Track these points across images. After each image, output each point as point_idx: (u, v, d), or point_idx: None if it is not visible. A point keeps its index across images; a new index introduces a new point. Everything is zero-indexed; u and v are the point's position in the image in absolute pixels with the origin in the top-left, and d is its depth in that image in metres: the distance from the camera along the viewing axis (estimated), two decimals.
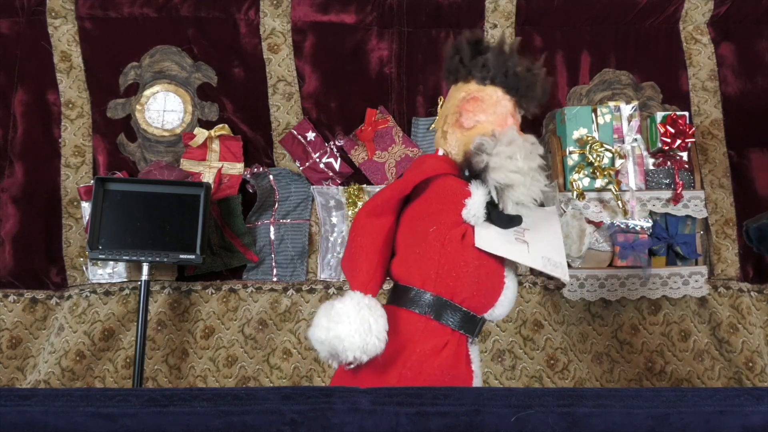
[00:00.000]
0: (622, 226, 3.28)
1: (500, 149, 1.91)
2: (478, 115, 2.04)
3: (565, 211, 3.30)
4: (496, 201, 1.92)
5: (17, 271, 3.45)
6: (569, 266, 3.29)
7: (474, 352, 1.99)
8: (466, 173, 1.97)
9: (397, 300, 1.97)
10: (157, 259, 3.15)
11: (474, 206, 1.92)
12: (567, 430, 1.18)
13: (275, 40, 3.61)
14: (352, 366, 1.84)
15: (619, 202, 3.26)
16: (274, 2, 3.60)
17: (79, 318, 3.40)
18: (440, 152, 2.10)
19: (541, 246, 2.00)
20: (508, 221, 1.95)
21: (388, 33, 3.62)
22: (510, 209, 1.92)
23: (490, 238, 1.93)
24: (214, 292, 3.48)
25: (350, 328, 1.79)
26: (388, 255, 2.01)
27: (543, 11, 3.62)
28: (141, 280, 3.17)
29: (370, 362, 1.83)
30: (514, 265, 2.04)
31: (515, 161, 1.89)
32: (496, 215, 1.94)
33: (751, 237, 2.47)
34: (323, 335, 1.83)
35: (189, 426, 1.15)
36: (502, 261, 1.98)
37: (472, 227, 1.94)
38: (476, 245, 1.91)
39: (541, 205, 2.02)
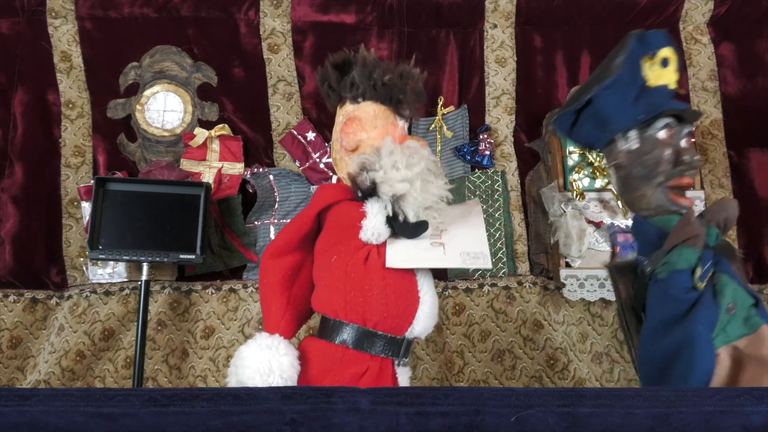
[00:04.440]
0: (622, 226, 3.28)
1: (383, 162, 1.89)
2: (359, 134, 2.02)
3: (565, 211, 3.30)
4: (393, 214, 1.90)
5: (17, 271, 3.45)
6: (569, 266, 3.31)
7: (403, 374, 1.96)
8: (360, 194, 1.94)
9: (320, 331, 1.97)
10: (157, 259, 3.15)
11: (371, 226, 1.90)
12: (567, 430, 1.18)
13: (275, 40, 3.61)
14: None
15: (619, 202, 3.26)
16: (274, 2, 3.60)
17: (79, 318, 3.40)
18: (333, 179, 2.11)
19: (460, 242, 1.94)
20: (414, 230, 1.92)
21: (388, 33, 3.62)
22: (412, 217, 1.89)
23: (400, 253, 1.89)
24: (214, 292, 3.48)
25: (251, 371, 1.83)
26: (300, 293, 2.02)
27: (543, 11, 3.62)
28: (141, 280, 3.17)
29: None
30: (430, 276, 2.00)
31: (399, 171, 1.87)
32: (400, 227, 1.91)
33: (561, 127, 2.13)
34: (233, 380, 1.88)
35: (189, 426, 1.15)
36: (413, 275, 1.94)
37: (378, 247, 1.91)
38: (387, 265, 1.88)
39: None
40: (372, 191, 1.91)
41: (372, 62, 2.05)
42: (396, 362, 1.94)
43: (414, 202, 1.88)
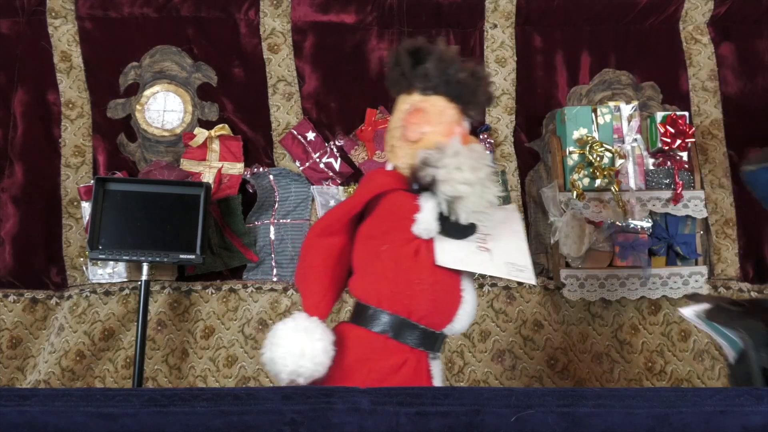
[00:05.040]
0: (622, 226, 3.28)
1: (446, 161, 1.87)
2: (423, 127, 2.00)
3: (564, 211, 3.30)
4: (447, 213, 1.90)
5: (17, 271, 3.45)
6: (568, 266, 3.31)
7: (436, 367, 1.97)
8: (415, 187, 1.94)
9: (356, 318, 1.96)
10: (157, 259, 3.15)
11: (424, 220, 1.89)
12: (567, 430, 1.18)
13: (275, 40, 3.61)
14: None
15: (619, 202, 3.26)
16: (274, 2, 3.60)
17: (79, 318, 3.40)
18: (389, 167, 2.08)
19: (505, 251, 1.96)
20: (462, 232, 1.92)
21: (388, 33, 3.62)
22: (463, 219, 1.89)
23: (450, 253, 1.90)
24: (214, 292, 3.48)
25: (283, 351, 1.81)
26: (341, 274, 2.00)
27: (543, 11, 3.62)
28: (141, 280, 3.17)
29: (329, 381, 1.83)
30: (472, 277, 2.01)
31: (462, 173, 1.86)
32: (449, 227, 1.91)
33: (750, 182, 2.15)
34: (265, 357, 1.86)
35: (189, 426, 1.15)
36: (458, 274, 1.95)
37: (426, 242, 1.91)
38: (437, 263, 1.88)
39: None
40: (429, 187, 1.91)
41: (449, 57, 2.02)
42: (430, 356, 1.95)
43: (470, 205, 1.88)
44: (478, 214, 1.90)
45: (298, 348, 1.80)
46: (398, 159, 2.05)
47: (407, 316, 1.89)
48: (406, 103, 2.06)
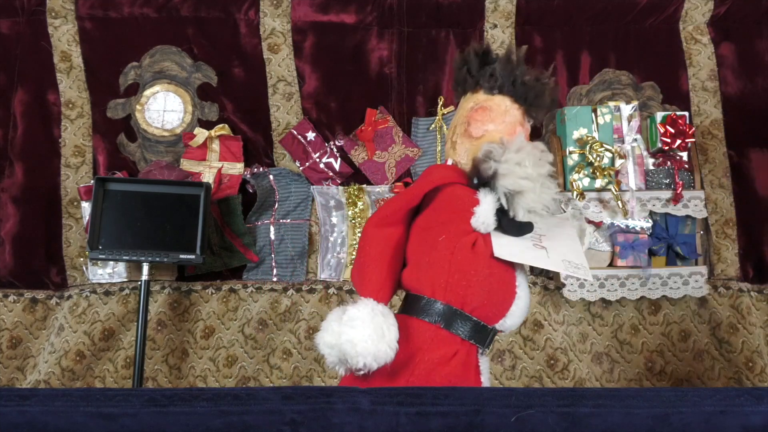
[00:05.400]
0: (622, 226, 3.28)
1: (509, 156, 1.89)
2: (487, 125, 2.03)
3: (564, 211, 3.30)
4: (506, 208, 1.91)
5: (17, 271, 3.45)
6: None
7: (484, 363, 1.96)
8: (475, 181, 1.95)
9: (408, 309, 1.95)
10: (157, 259, 3.15)
11: (483, 214, 1.90)
12: (567, 430, 1.18)
13: (275, 40, 3.61)
14: (361, 373, 1.82)
15: (619, 202, 3.26)
16: (274, 2, 3.60)
17: (79, 318, 3.40)
18: (449, 162, 2.09)
19: (560, 250, 1.98)
20: (519, 228, 1.94)
21: (388, 33, 3.62)
22: (521, 216, 1.91)
23: (509, 247, 1.91)
24: (214, 292, 3.48)
25: (364, 333, 1.77)
26: (397, 266, 2.00)
27: (543, 11, 3.62)
28: (141, 280, 3.17)
29: (379, 370, 1.81)
30: (526, 275, 2.02)
31: (524, 168, 1.87)
32: (507, 222, 1.92)
33: None
34: (333, 339, 1.81)
35: (189, 426, 1.15)
36: (514, 270, 1.96)
37: (483, 236, 1.92)
38: (495, 254, 1.89)
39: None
40: (489, 181, 1.92)
41: (516, 60, 2.07)
42: (480, 351, 1.94)
43: (529, 201, 1.89)
44: (534, 213, 1.91)
45: (379, 331, 1.78)
46: (458, 155, 2.07)
47: (461, 306, 1.89)
48: (471, 101, 2.09)
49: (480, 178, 1.94)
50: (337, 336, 1.80)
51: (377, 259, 1.95)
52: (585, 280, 1.95)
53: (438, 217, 1.97)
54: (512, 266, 1.95)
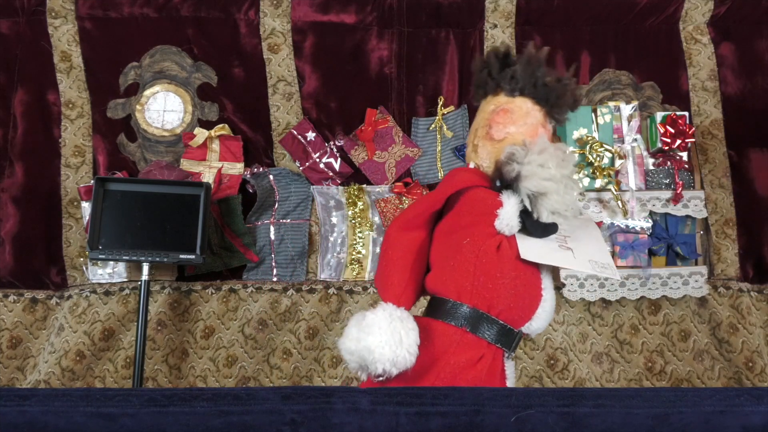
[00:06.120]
0: (622, 226, 3.28)
1: (532, 158, 1.89)
2: (509, 127, 2.02)
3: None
4: (530, 209, 1.90)
5: (17, 271, 3.45)
6: None
7: (510, 367, 1.95)
8: (498, 184, 1.95)
9: (433, 312, 1.94)
10: (157, 259, 3.15)
11: (506, 216, 1.89)
12: (567, 430, 1.18)
13: (275, 40, 3.61)
14: (381, 378, 1.80)
15: (619, 202, 3.26)
16: (274, 2, 3.60)
17: (79, 318, 3.40)
18: (471, 165, 2.08)
19: (586, 250, 1.97)
20: (544, 230, 1.93)
21: (388, 33, 3.62)
22: (545, 218, 1.89)
23: (535, 248, 1.90)
24: (214, 292, 3.48)
25: (381, 339, 1.76)
26: (420, 270, 1.98)
27: (543, 11, 3.62)
28: (141, 280, 3.17)
29: (402, 373, 1.79)
30: (551, 278, 2.01)
31: (547, 169, 1.87)
32: (531, 224, 1.91)
33: None
34: (353, 346, 1.80)
35: (189, 426, 1.15)
36: (539, 272, 1.95)
37: (507, 238, 1.91)
38: (521, 256, 1.87)
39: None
40: (512, 183, 1.91)
41: (537, 61, 2.05)
42: (506, 354, 1.93)
43: (553, 203, 1.88)
44: (557, 215, 1.90)
45: (396, 336, 1.76)
46: (480, 158, 2.06)
47: (487, 310, 1.88)
48: (491, 104, 2.08)
49: (503, 181, 1.93)
50: (356, 342, 1.79)
51: (399, 263, 1.94)
52: (614, 279, 1.94)
53: (461, 221, 1.95)
54: (538, 268, 1.94)
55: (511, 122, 2.02)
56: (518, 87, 2.04)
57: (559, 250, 1.93)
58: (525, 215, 1.90)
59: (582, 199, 3.28)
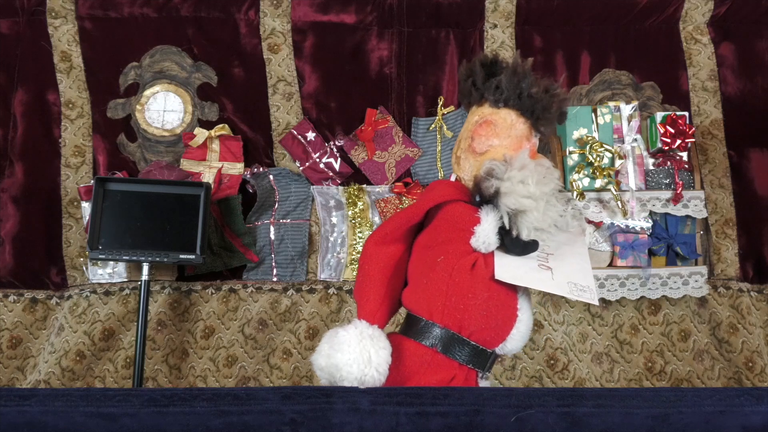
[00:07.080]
0: (622, 226, 3.28)
1: (511, 174, 1.84)
2: (491, 140, 1.96)
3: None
4: (508, 227, 1.85)
5: (17, 271, 3.45)
6: None
7: (485, 386, 1.92)
8: (477, 199, 1.90)
9: (407, 330, 1.92)
10: (157, 259, 3.15)
11: (483, 233, 1.86)
12: (567, 430, 1.18)
13: (275, 40, 3.61)
14: None
15: (619, 202, 3.26)
16: (274, 2, 3.60)
17: (79, 318, 3.40)
18: (452, 178, 2.04)
19: (567, 271, 1.91)
20: (523, 248, 1.88)
21: (388, 33, 3.62)
22: (525, 235, 1.85)
23: (511, 268, 1.86)
24: (214, 292, 3.48)
25: (349, 357, 1.76)
26: (398, 285, 1.96)
27: (543, 11, 3.62)
28: (141, 280, 3.17)
29: None
30: (529, 297, 1.97)
31: (527, 186, 1.82)
32: (510, 242, 1.87)
33: None
34: (324, 362, 1.80)
35: (189, 426, 1.15)
36: (515, 292, 1.91)
37: (484, 256, 1.88)
38: (496, 277, 1.83)
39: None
40: (491, 199, 1.87)
41: (523, 71, 1.98)
42: (480, 375, 1.90)
43: (533, 221, 1.83)
44: (541, 231, 1.86)
45: (365, 355, 1.76)
46: (462, 170, 2.01)
47: (458, 330, 1.85)
48: (475, 114, 2.03)
49: (482, 196, 1.89)
50: (326, 358, 1.80)
51: (376, 279, 1.92)
52: (592, 303, 1.89)
53: (438, 236, 1.92)
54: (514, 288, 1.90)
55: (494, 135, 1.96)
56: (503, 98, 1.97)
57: (537, 270, 1.88)
58: (504, 232, 1.86)
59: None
